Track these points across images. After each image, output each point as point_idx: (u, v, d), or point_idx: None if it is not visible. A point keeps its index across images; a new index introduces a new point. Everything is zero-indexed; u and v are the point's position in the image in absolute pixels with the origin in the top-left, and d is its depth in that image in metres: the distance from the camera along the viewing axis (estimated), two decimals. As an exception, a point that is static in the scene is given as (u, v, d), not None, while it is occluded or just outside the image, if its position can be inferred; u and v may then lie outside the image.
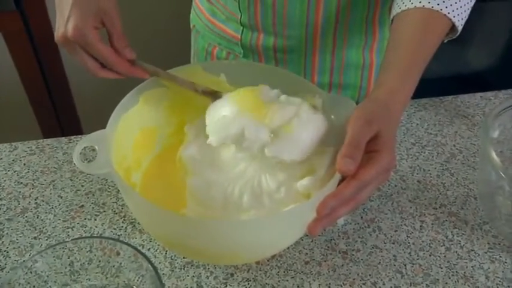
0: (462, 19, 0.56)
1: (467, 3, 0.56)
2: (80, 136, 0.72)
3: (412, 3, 0.55)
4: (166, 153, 0.60)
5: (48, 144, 0.70)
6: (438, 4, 0.54)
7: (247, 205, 0.50)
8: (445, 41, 0.60)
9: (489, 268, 0.57)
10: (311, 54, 0.74)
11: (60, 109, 1.62)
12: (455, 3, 0.55)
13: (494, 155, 0.55)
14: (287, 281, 0.55)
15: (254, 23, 0.72)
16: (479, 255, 0.58)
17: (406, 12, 0.55)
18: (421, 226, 0.61)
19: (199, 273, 0.55)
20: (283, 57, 0.75)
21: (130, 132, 0.57)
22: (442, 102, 0.81)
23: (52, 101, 1.59)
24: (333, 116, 0.56)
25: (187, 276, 0.55)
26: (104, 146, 0.50)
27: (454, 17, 0.55)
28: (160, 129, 0.61)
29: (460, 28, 0.57)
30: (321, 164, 0.51)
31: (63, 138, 0.71)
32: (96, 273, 0.50)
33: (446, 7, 0.54)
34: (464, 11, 0.56)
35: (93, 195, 0.64)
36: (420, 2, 0.54)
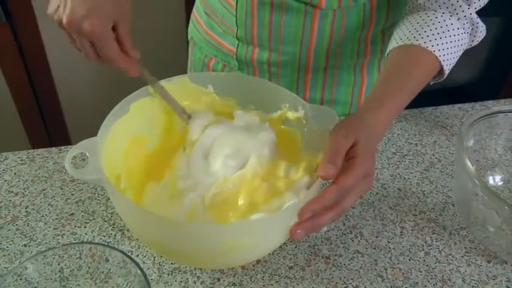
0: (450, 64, 0.62)
1: (457, 51, 0.62)
2: (69, 146, 0.73)
3: (409, 40, 0.60)
4: (155, 160, 0.62)
5: (39, 154, 0.72)
6: (432, 46, 0.59)
7: (201, 212, 0.53)
8: (431, 83, 0.64)
9: (466, 271, 0.59)
10: (304, 70, 0.77)
11: (48, 119, 1.63)
12: (447, 48, 0.60)
13: (468, 162, 0.57)
14: (272, 285, 0.57)
15: (250, 38, 0.74)
16: (456, 259, 0.61)
17: (402, 46, 0.60)
18: (401, 232, 0.64)
19: (187, 278, 0.57)
20: (276, 72, 0.78)
21: (121, 140, 0.59)
22: (422, 113, 0.84)
23: (40, 111, 1.60)
24: (315, 126, 0.59)
25: (175, 281, 0.56)
26: (95, 152, 0.52)
27: (443, 60, 0.60)
28: (149, 137, 0.63)
29: (446, 72, 0.62)
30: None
31: (54, 148, 0.73)
32: (86, 279, 0.51)
33: (439, 50, 0.59)
34: (453, 57, 0.62)
35: (83, 203, 0.65)
36: (417, 41, 0.59)
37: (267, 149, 0.58)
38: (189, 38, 0.89)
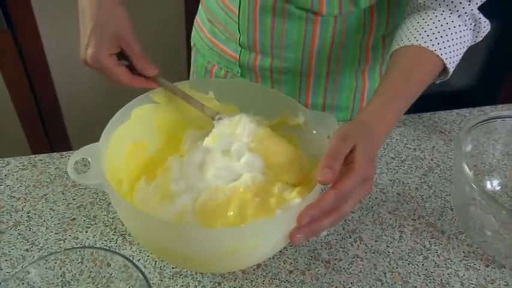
0: (453, 62, 0.61)
1: (460, 48, 0.62)
2: (71, 152, 0.74)
3: (409, 41, 0.60)
4: (156, 166, 0.62)
5: (41, 160, 0.72)
6: (433, 45, 0.59)
7: (190, 216, 0.54)
8: (437, 82, 0.64)
9: (464, 275, 0.60)
10: (306, 76, 0.77)
11: (48, 124, 1.63)
12: (449, 46, 0.60)
13: (466, 167, 0.58)
14: (272, 289, 0.57)
15: (252, 44, 0.75)
16: (455, 263, 0.61)
17: (404, 48, 0.60)
18: (400, 236, 0.64)
19: (188, 283, 0.57)
20: (279, 78, 0.78)
21: (122, 146, 0.59)
22: (421, 119, 0.84)
23: (41, 116, 1.60)
24: (314, 131, 0.59)
25: (176, 285, 0.57)
26: (97, 158, 0.52)
27: (446, 59, 0.60)
28: (150, 143, 0.64)
29: (451, 70, 0.62)
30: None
31: (55, 153, 0.73)
32: (88, 283, 0.52)
33: (440, 49, 0.59)
34: (457, 55, 0.61)
35: (85, 208, 0.66)
36: (417, 41, 0.59)
37: (257, 172, 0.57)
38: (191, 45, 0.90)
